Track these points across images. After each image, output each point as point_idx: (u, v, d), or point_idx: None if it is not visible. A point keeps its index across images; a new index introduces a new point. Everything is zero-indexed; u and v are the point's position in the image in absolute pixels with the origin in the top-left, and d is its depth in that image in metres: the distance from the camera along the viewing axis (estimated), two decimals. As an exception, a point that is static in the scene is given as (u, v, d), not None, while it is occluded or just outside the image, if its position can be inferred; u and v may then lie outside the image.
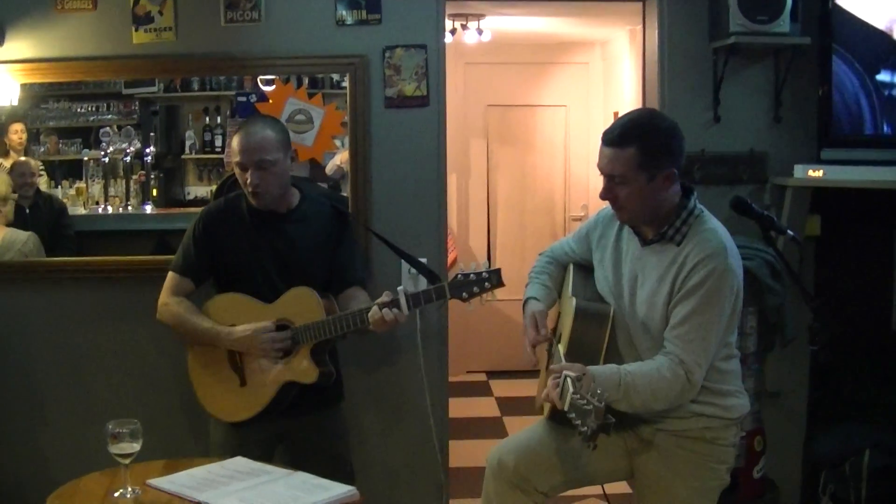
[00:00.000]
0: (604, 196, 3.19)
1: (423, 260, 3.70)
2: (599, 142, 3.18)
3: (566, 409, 2.74)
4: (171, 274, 3.81)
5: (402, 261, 4.06)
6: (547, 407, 3.23)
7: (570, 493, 3.50)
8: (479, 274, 3.46)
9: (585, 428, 2.65)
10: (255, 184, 3.60)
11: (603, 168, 3.14)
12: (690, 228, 3.13)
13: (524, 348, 3.41)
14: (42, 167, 5.48)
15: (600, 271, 3.39)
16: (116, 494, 2.89)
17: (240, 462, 3.20)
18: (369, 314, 3.49)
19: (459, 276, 3.48)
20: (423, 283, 3.92)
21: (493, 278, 3.46)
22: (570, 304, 3.30)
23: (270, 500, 2.80)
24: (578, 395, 2.69)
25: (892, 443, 4.34)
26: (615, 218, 3.32)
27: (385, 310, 3.46)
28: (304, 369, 3.61)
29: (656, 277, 3.15)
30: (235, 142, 3.65)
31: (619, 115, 7.27)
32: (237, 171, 3.67)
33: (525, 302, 3.52)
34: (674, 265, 3.10)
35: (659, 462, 3.22)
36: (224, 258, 3.77)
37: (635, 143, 3.06)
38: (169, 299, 3.77)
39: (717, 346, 3.09)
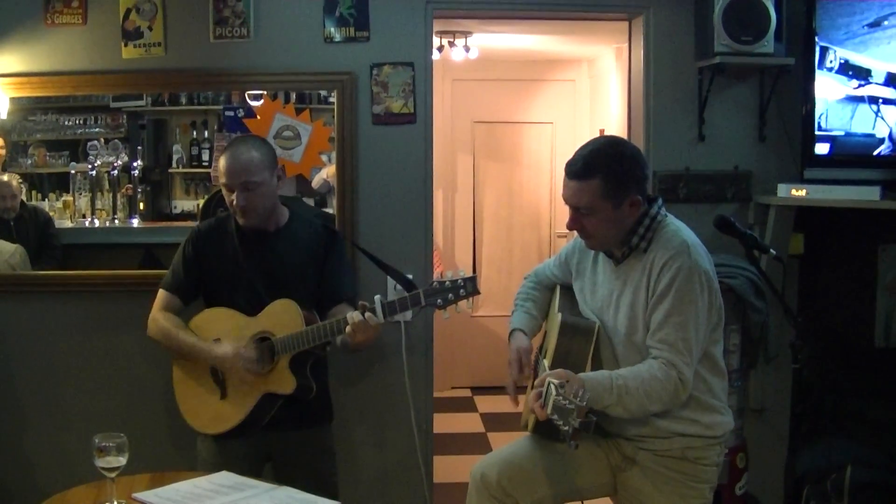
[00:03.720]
0: (571, 226, 3.23)
1: (410, 276, 3.71)
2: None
3: (549, 412, 2.75)
4: (161, 291, 3.84)
5: (388, 276, 4.08)
6: (531, 420, 3.25)
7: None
8: (454, 281, 3.45)
9: (567, 427, 2.67)
10: (241, 205, 3.62)
11: (568, 199, 3.18)
12: (655, 234, 3.18)
13: (508, 384, 3.47)
14: (22, 181, 5.41)
15: (581, 299, 3.43)
16: (102, 508, 2.90)
17: (225, 476, 3.20)
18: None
19: (435, 283, 3.47)
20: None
21: (469, 286, 3.46)
22: (556, 320, 3.33)
23: (256, 514, 2.82)
24: (561, 397, 2.71)
25: (873, 458, 4.37)
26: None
27: (358, 316, 3.46)
28: (281, 380, 3.62)
29: (632, 289, 3.18)
30: (222, 163, 3.67)
31: (605, 132, 7.32)
32: (224, 192, 3.69)
33: (511, 333, 3.56)
34: (644, 272, 3.15)
35: (642, 479, 3.24)
36: (212, 276, 3.79)
37: (599, 173, 3.09)
38: (158, 315, 3.79)
39: (700, 342, 3.11)
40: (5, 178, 5.10)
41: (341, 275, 3.87)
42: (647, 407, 3.05)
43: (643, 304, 3.14)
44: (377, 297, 3.50)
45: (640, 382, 3.01)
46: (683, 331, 3.05)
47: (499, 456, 3.41)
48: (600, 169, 3.10)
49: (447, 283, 3.46)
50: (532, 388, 3.43)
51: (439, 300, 3.46)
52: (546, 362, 3.22)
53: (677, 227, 3.22)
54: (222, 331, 3.70)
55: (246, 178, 3.60)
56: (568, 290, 3.55)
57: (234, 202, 3.63)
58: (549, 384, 2.81)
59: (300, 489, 3.06)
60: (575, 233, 3.31)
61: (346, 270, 3.94)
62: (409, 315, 3.94)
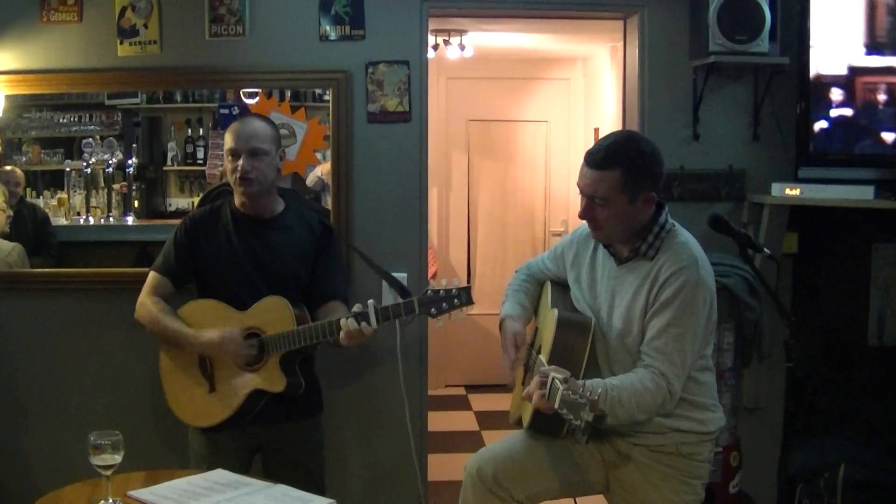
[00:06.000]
0: (583, 215, 3.22)
1: (404, 274, 3.71)
2: (581, 159, 3.22)
3: (557, 406, 2.75)
4: (151, 274, 3.84)
5: (383, 280, 4.08)
6: (528, 415, 3.26)
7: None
8: (448, 291, 3.46)
9: (580, 421, 2.67)
10: (246, 169, 3.62)
11: (585, 188, 3.18)
12: (663, 243, 3.19)
13: (502, 366, 3.45)
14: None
15: (577, 290, 3.43)
16: (97, 505, 2.90)
17: (221, 474, 3.21)
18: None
19: (430, 291, 3.48)
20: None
21: (463, 296, 3.47)
22: (550, 315, 3.33)
23: (251, 511, 2.83)
24: (571, 392, 2.71)
25: (866, 458, 4.38)
26: (590, 237, 3.36)
27: (352, 321, 3.47)
28: (272, 378, 3.62)
29: (632, 293, 3.19)
30: (230, 132, 3.71)
31: (600, 131, 7.33)
32: (229, 161, 3.69)
33: (501, 321, 3.55)
34: (647, 279, 3.15)
35: (636, 475, 3.26)
36: (205, 263, 3.79)
37: (619, 166, 3.10)
38: (147, 299, 3.79)
39: (693, 356, 3.13)
40: (8, 167, 5.11)
41: (335, 273, 3.88)
42: (636, 416, 3.08)
43: (641, 310, 3.16)
44: (370, 302, 3.50)
45: (632, 394, 3.03)
46: (680, 343, 3.08)
47: (494, 450, 3.43)
48: (621, 161, 3.11)
49: (441, 291, 3.47)
50: (522, 383, 3.44)
51: (433, 309, 3.48)
52: (543, 358, 3.22)
53: (686, 239, 3.23)
54: (211, 324, 3.69)
55: (254, 143, 3.65)
56: (558, 286, 3.56)
57: (240, 167, 3.63)
58: (553, 378, 2.82)
59: (288, 480, 3.10)
60: (570, 229, 3.32)
61: (339, 269, 3.95)
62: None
